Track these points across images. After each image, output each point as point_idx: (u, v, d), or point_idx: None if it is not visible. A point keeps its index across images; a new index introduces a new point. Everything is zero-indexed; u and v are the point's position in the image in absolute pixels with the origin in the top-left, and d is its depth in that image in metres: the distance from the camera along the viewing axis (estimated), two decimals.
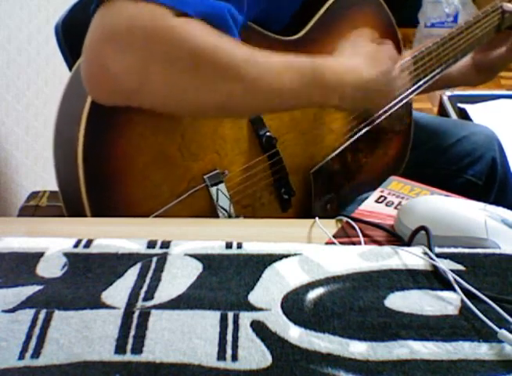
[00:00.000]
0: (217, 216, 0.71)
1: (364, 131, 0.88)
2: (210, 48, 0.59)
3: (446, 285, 0.48)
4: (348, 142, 0.87)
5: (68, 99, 0.68)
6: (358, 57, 0.71)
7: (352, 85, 0.68)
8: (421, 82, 0.94)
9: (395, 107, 0.92)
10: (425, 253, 0.52)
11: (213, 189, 0.70)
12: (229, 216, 0.72)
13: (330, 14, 0.83)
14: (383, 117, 0.91)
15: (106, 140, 0.63)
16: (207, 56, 0.59)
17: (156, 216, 0.65)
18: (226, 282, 0.48)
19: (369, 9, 0.89)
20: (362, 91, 0.69)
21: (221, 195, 0.71)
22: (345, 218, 0.60)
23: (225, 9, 0.60)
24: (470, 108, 1.66)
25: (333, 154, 0.85)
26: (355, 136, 0.88)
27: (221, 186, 0.71)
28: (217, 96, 0.61)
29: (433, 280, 0.49)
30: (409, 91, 0.93)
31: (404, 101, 0.93)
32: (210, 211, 0.70)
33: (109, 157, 0.63)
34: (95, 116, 0.61)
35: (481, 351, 0.42)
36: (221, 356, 0.41)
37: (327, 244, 0.56)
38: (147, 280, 0.49)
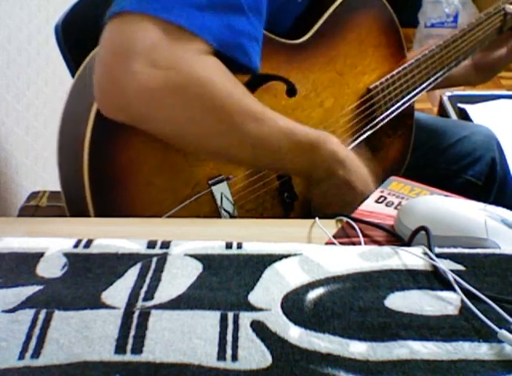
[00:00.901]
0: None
1: (366, 135, 0.88)
2: (224, 96, 0.60)
3: (446, 285, 0.48)
4: (351, 146, 0.87)
5: (73, 104, 0.68)
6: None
7: (344, 167, 0.70)
8: (424, 85, 0.95)
9: (398, 111, 0.92)
10: (425, 253, 0.52)
11: (217, 194, 0.70)
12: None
13: (335, 17, 0.83)
14: (385, 120, 0.91)
15: (112, 145, 0.63)
16: (219, 103, 0.60)
17: None
18: (226, 282, 0.48)
19: (373, 11, 0.89)
20: (347, 180, 0.71)
21: (225, 200, 0.71)
22: (345, 219, 0.60)
23: (242, 34, 0.61)
24: (470, 108, 1.66)
25: None
26: (357, 140, 0.87)
27: (226, 191, 0.71)
28: (216, 142, 0.64)
29: (433, 280, 0.49)
30: (412, 94, 0.93)
31: (407, 104, 0.93)
32: (213, 216, 0.70)
33: (115, 162, 0.63)
34: (102, 121, 0.61)
35: (481, 351, 0.42)
36: (221, 356, 0.41)
37: (327, 244, 0.56)
38: (147, 280, 0.49)
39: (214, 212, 0.70)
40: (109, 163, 0.63)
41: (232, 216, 0.72)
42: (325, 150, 0.68)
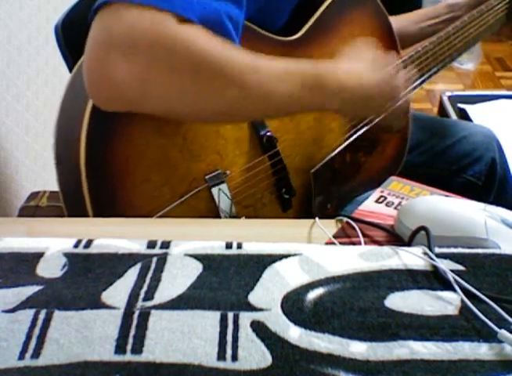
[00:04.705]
0: (218, 217, 0.71)
1: (363, 130, 0.89)
2: (213, 55, 0.59)
3: (446, 285, 0.48)
4: (348, 142, 0.87)
5: (69, 101, 0.68)
6: (359, 63, 0.71)
7: (353, 91, 0.68)
8: (418, 82, 0.95)
9: (393, 107, 0.92)
10: (425, 253, 0.52)
11: (215, 190, 0.70)
12: (231, 217, 0.72)
13: (328, 14, 0.83)
14: (381, 116, 0.91)
15: (108, 142, 0.63)
16: (209, 63, 0.59)
17: (157, 217, 0.65)
18: (226, 282, 0.48)
19: (365, 9, 0.90)
20: (362, 97, 0.69)
21: (223, 195, 0.71)
22: (345, 219, 0.60)
23: (223, 13, 0.60)
24: (470, 108, 1.66)
25: (333, 154, 0.85)
26: (355, 136, 0.88)
27: (223, 187, 0.71)
28: (218, 103, 0.62)
29: (433, 280, 0.49)
30: (407, 90, 0.93)
31: (402, 100, 0.93)
32: (211, 211, 0.70)
33: (111, 158, 0.63)
34: (97, 118, 0.61)
35: (481, 351, 0.42)
36: (221, 356, 0.41)
37: (327, 244, 0.56)
38: (147, 280, 0.49)
39: (213, 208, 0.70)
40: (106, 160, 0.63)
41: (230, 212, 0.72)
42: (329, 81, 0.66)
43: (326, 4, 0.83)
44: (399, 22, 1.04)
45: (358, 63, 0.71)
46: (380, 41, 0.92)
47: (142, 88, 0.58)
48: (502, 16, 1.06)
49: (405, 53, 0.93)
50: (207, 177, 0.70)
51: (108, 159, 0.63)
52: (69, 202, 0.67)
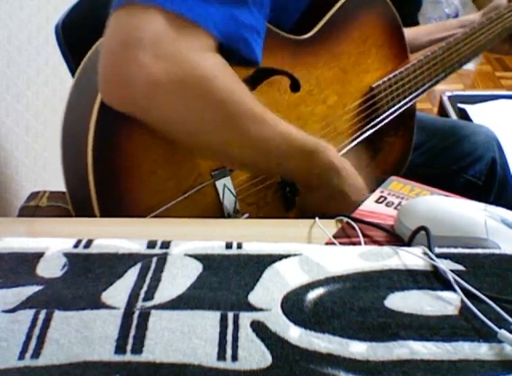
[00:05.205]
0: (222, 214, 0.71)
1: (369, 133, 0.89)
2: (225, 95, 0.61)
3: (446, 285, 0.48)
4: (353, 144, 0.87)
5: (76, 96, 0.68)
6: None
7: (335, 183, 0.71)
8: (426, 86, 0.95)
9: (400, 111, 0.92)
10: (425, 253, 0.52)
11: (220, 186, 0.70)
12: (234, 213, 0.72)
13: (340, 15, 0.83)
14: (387, 119, 0.91)
15: (117, 135, 0.63)
16: (219, 99, 0.61)
17: (161, 212, 0.65)
18: (226, 282, 0.48)
19: (377, 11, 0.90)
20: (340, 187, 0.72)
21: (228, 192, 0.71)
22: (345, 219, 0.60)
23: (247, 29, 0.61)
24: (470, 108, 1.66)
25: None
26: (360, 138, 0.88)
27: (228, 183, 0.71)
28: (214, 139, 0.64)
29: (433, 280, 0.49)
30: (414, 94, 0.94)
31: (408, 104, 0.93)
32: (215, 207, 0.71)
33: (119, 151, 0.64)
34: (106, 110, 0.61)
35: (481, 351, 0.42)
36: (221, 356, 0.41)
37: (327, 244, 0.56)
38: (147, 280, 0.49)
39: (217, 204, 0.71)
40: (114, 153, 0.63)
41: (233, 209, 0.72)
42: (322, 158, 0.70)
43: (338, 5, 0.83)
44: (410, 33, 1.04)
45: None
46: (389, 43, 0.92)
47: (153, 93, 0.58)
48: (510, 25, 1.06)
49: (414, 58, 0.94)
50: (213, 173, 0.70)
51: (116, 152, 0.63)
52: (75, 195, 0.67)
